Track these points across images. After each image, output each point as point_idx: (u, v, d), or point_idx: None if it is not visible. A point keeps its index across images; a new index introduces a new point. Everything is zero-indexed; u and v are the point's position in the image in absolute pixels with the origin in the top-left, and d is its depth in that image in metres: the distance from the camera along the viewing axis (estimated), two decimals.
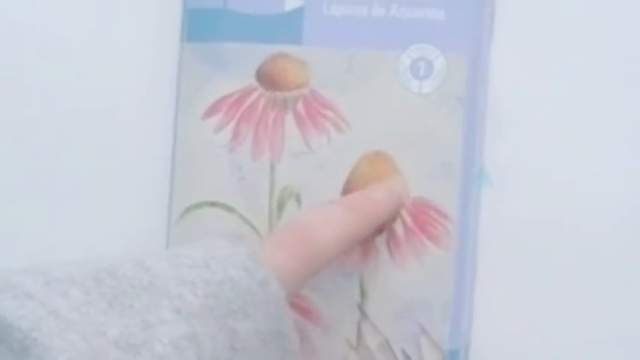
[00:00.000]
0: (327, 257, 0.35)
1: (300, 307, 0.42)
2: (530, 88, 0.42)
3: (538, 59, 0.42)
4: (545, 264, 0.41)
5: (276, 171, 0.42)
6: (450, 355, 0.41)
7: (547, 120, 0.42)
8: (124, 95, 0.45)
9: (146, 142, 0.44)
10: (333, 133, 0.42)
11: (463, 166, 0.41)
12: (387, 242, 0.41)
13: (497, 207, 0.42)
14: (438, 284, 0.41)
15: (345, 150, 0.42)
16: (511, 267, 0.42)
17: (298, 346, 0.33)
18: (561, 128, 0.42)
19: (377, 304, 0.41)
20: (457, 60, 0.41)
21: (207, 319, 0.29)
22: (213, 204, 0.43)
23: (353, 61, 0.42)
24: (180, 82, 0.43)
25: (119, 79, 0.45)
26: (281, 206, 0.42)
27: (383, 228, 0.41)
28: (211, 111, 0.43)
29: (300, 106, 0.42)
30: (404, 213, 0.41)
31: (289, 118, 0.42)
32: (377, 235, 0.41)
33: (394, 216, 0.41)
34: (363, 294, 0.41)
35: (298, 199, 0.42)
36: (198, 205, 0.43)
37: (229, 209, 0.42)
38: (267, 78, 0.42)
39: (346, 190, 0.41)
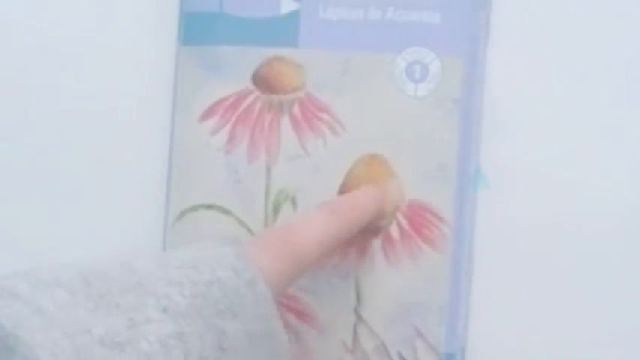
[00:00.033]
0: (310, 259, 0.35)
1: (296, 309, 0.42)
2: (525, 90, 0.42)
3: (534, 61, 0.42)
4: (542, 266, 0.41)
5: (272, 174, 0.42)
6: (446, 357, 0.41)
7: (543, 122, 0.42)
8: (121, 98, 0.45)
9: (143, 145, 0.44)
10: (329, 136, 0.42)
11: (459, 168, 0.41)
12: (382, 245, 0.41)
13: (493, 209, 0.42)
14: (434, 287, 0.41)
15: (341, 153, 0.42)
16: (507, 269, 0.42)
17: (288, 347, 0.32)
18: (557, 130, 0.42)
19: (373, 307, 0.41)
20: (453, 63, 0.41)
21: (194, 319, 0.29)
22: (209, 207, 0.43)
23: (349, 64, 0.42)
24: (176, 85, 0.44)
25: (116, 82, 0.45)
26: (277, 209, 0.42)
27: (379, 231, 0.41)
28: (208, 114, 0.43)
29: (296, 109, 0.42)
30: (399, 216, 0.41)
31: (285, 121, 0.42)
32: (373, 238, 0.41)
33: (377, 217, 0.41)
34: (359, 297, 0.41)
35: (294, 202, 0.42)
36: (195, 208, 0.43)
37: (225, 212, 0.42)
38: (263, 81, 0.43)
39: (342, 193, 0.41)
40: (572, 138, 0.42)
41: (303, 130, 0.42)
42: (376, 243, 0.41)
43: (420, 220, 0.41)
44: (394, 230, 0.41)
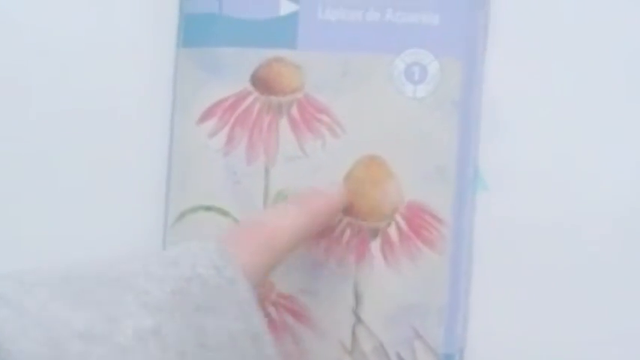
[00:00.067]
0: (282, 250, 0.36)
1: (294, 310, 0.42)
2: (524, 91, 0.42)
3: (532, 63, 0.42)
4: (541, 267, 0.41)
5: (270, 175, 0.42)
6: (445, 359, 0.41)
7: (542, 123, 0.42)
8: (121, 99, 0.45)
9: (142, 146, 0.44)
10: (328, 137, 0.42)
11: (458, 170, 0.41)
12: (381, 246, 0.41)
13: (492, 211, 0.42)
14: (433, 288, 0.41)
15: (340, 154, 0.42)
16: (506, 271, 0.42)
17: (274, 349, 0.32)
18: (556, 132, 0.42)
19: (371, 308, 0.41)
20: (451, 64, 0.41)
21: (173, 314, 0.29)
22: (208, 208, 0.43)
23: (348, 65, 0.42)
24: (176, 86, 0.44)
25: (116, 83, 0.45)
26: None
27: (377, 232, 0.41)
28: (206, 115, 0.43)
29: (294, 111, 0.42)
30: (398, 217, 0.41)
31: (284, 122, 0.42)
32: (372, 239, 0.41)
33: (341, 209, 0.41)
34: (357, 298, 0.41)
35: None
36: (194, 209, 0.43)
37: (224, 213, 0.42)
38: (262, 82, 0.43)
39: None
40: (570, 139, 0.42)
41: (302, 132, 0.42)
42: (375, 244, 0.41)
43: (419, 222, 0.41)
44: (393, 231, 0.41)
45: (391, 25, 0.41)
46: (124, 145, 0.45)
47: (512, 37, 0.42)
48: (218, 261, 0.32)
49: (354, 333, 0.42)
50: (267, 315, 0.42)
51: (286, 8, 0.42)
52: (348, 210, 0.42)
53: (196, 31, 0.43)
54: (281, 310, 0.42)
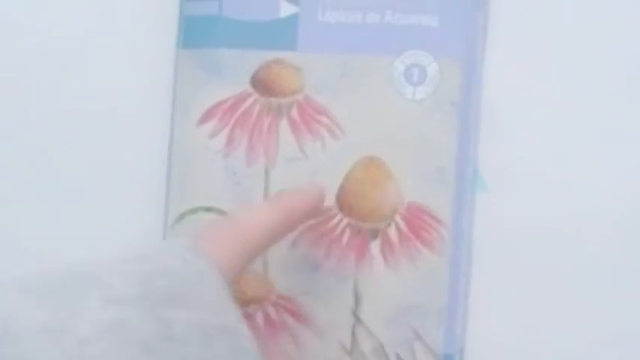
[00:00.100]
0: (256, 245, 0.35)
1: (294, 311, 0.42)
2: (523, 93, 0.42)
3: (531, 64, 0.42)
4: (540, 268, 0.42)
5: (270, 176, 0.42)
6: (445, 359, 0.41)
7: (541, 125, 0.42)
8: (121, 101, 0.45)
9: (142, 148, 0.45)
10: (328, 138, 0.42)
11: (457, 171, 0.41)
12: (381, 247, 0.41)
13: (491, 212, 0.42)
14: (432, 289, 0.41)
15: (339, 155, 0.42)
16: (505, 271, 0.42)
17: (252, 344, 0.32)
18: (555, 133, 0.42)
19: (371, 309, 0.41)
20: (451, 66, 0.41)
21: (137, 307, 0.29)
22: (208, 209, 0.43)
23: (347, 67, 0.42)
24: (176, 88, 0.44)
25: (116, 84, 0.45)
26: None
27: (377, 233, 0.41)
28: (206, 117, 0.43)
29: (294, 112, 0.42)
30: (398, 218, 0.41)
31: (284, 123, 0.42)
32: (371, 240, 0.42)
33: (320, 208, 0.40)
34: (357, 298, 0.42)
35: None
36: (194, 210, 0.43)
37: (224, 214, 0.42)
38: (262, 84, 0.43)
39: (340, 195, 0.42)
40: (569, 140, 0.42)
41: (301, 133, 0.42)
42: (375, 245, 0.42)
43: (419, 223, 0.41)
44: (393, 232, 0.41)
45: (390, 26, 0.42)
46: (124, 146, 0.45)
47: (511, 39, 0.42)
48: (187, 255, 0.32)
49: (353, 333, 0.42)
50: (267, 316, 0.42)
51: (286, 10, 0.42)
52: (348, 211, 0.42)
53: (196, 32, 0.43)
54: (281, 311, 0.42)
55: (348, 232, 0.42)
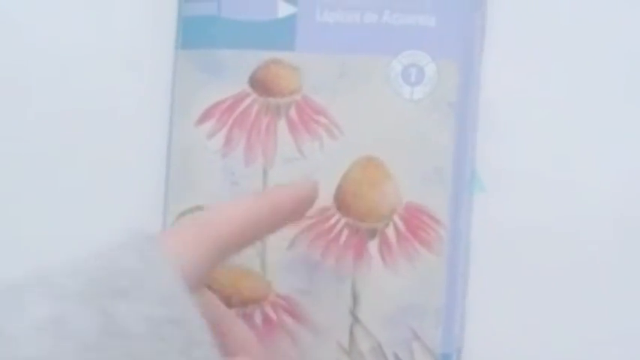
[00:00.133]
0: (233, 240, 0.34)
1: (292, 311, 0.42)
2: (521, 93, 0.42)
3: (529, 65, 0.42)
4: (538, 269, 0.42)
5: (268, 176, 0.42)
6: (443, 359, 0.41)
7: (539, 125, 0.42)
8: (120, 101, 0.45)
9: (141, 148, 0.45)
10: (326, 138, 0.42)
11: (455, 171, 0.41)
12: (379, 247, 0.42)
13: (489, 212, 0.42)
14: (431, 289, 0.41)
15: (337, 155, 0.42)
16: (503, 272, 0.42)
17: (206, 334, 0.30)
18: (553, 133, 0.42)
19: (369, 309, 0.41)
20: (448, 66, 0.41)
21: (80, 303, 0.28)
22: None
23: (345, 67, 0.42)
24: (174, 88, 0.44)
25: (114, 85, 0.45)
26: None
27: (375, 233, 0.42)
28: (205, 117, 0.43)
29: (292, 112, 0.42)
30: (396, 218, 0.41)
31: (282, 123, 0.42)
32: (369, 240, 0.42)
33: (312, 204, 0.39)
34: (355, 298, 0.42)
35: None
36: (192, 210, 0.43)
37: None
38: (260, 84, 0.43)
39: (338, 195, 0.42)
40: (568, 141, 0.42)
41: (299, 133, 0.42)
42: (373, 245, 0.42)
43: (417, 223, 0.41)
44: (391, 232, 0.42)
45: (388, 26, 0.42)
46: (123, 146, 0.45)
47: (509, 39, 0.42)
48: (140, 246, 0.31)
49: (351, 333, 0.42)
50: (265, 315, 0.42)
51: (284, 10, 0.42)
52: (346, 211, 0.42)
53: (195, 33, 0.43)
54: (279, 311, 0.42)
55: (346, 232, 0.42)
